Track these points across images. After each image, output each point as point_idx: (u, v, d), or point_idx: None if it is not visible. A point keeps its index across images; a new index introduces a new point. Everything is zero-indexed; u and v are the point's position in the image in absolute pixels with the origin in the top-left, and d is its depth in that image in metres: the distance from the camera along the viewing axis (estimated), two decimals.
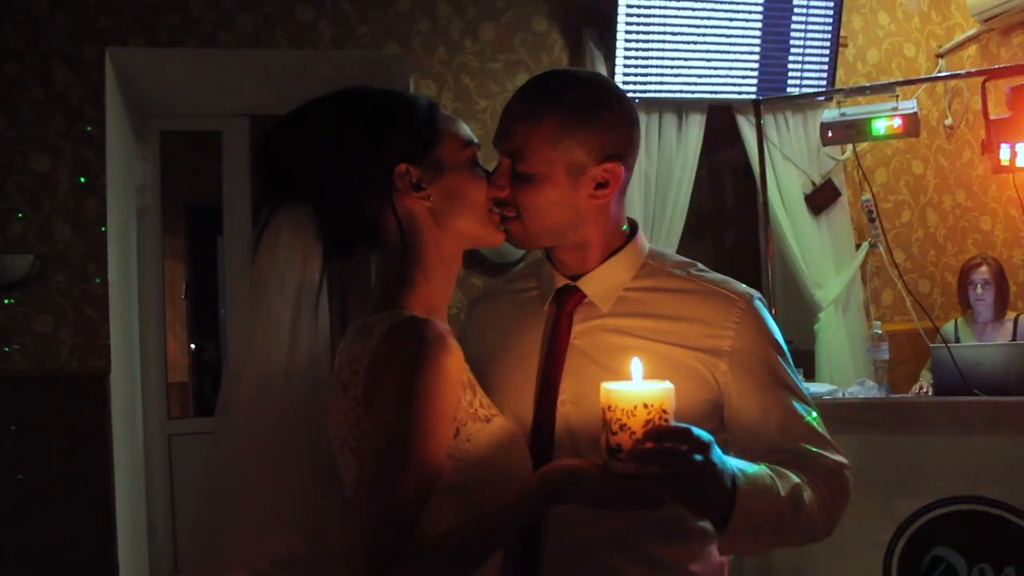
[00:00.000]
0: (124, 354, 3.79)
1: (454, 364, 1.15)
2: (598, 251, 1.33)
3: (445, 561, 1.08)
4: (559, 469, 1.11)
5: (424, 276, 1.26)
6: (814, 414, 1.31)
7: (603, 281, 1.32)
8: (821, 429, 1.31)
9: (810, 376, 4.12)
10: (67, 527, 3.40)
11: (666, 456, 1.03)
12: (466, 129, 1.31)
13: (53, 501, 3.39)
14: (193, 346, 5.38)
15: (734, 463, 1.15)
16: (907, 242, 4.64)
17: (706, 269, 1.37)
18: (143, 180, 4.37)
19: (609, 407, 1.05)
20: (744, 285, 1.34)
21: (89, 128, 3.54)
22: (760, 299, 1.33)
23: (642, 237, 1.38)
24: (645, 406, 1.03)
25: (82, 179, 3.52)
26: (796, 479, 1.21)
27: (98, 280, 3.51)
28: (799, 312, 4.43)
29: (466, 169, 1.27)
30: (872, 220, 4.33)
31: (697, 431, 1.06)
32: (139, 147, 4.33)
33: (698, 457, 1.05)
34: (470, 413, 1.19)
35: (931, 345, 3.34)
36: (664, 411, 1.04)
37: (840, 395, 3.48)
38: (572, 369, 1.29)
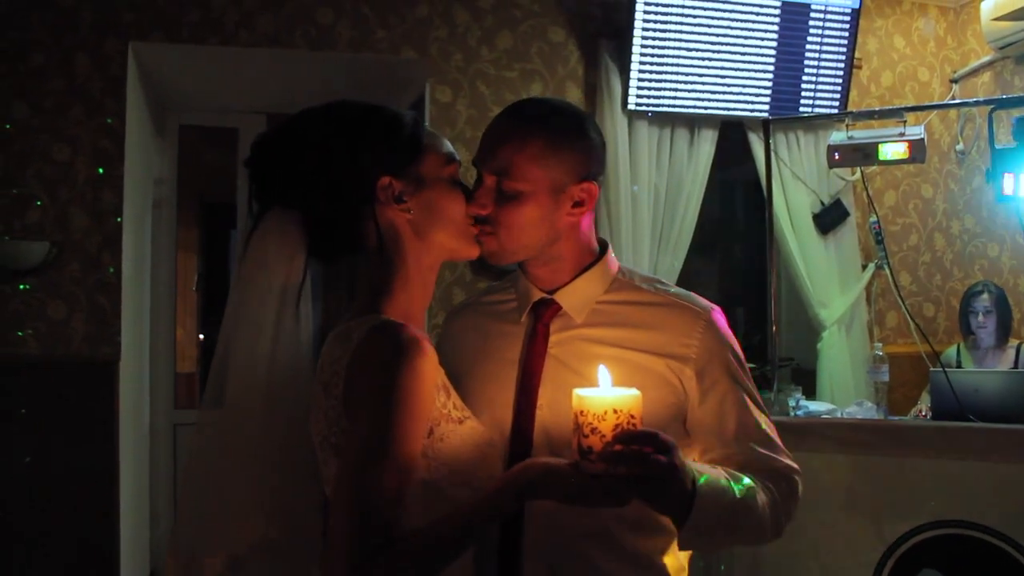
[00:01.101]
0: (134, 343, 3.84)
1: (429, 366, 1.21)
2: (570, 265, 1.41)
3: (423, 554, 1.13)
4: (534, 466, 1.18)
5: (403, 284, 1.32)
6: (768, 420, 1.42)
7: (577, 294, 1.41)
8: (774, 435, 1.40)
9: (811, 394, 4.14)
10: (71, 511, 3.45)
11: (633, 458, 1.11)
12: (449, 146, 1.36)
13: (58, 485, 3.43)
14: (202, 336, 5.43)
15: (694, 466, 1.23)
16: (914, 265, 4.66)
17: (670, 284, 1.47)
18: (160, 173, 4.43)
19: (581, 412, 1.13)
20: (705, 299, 1.44)
21: (109, 120, 3.59)
22: (720, 312, 1.43)
23: (612, 255, 1.47)
24: (615, 411, 1.11)
25: (100, 170, 3.57)
26: (750, 482, 1.30)
27: (112, 270, 3.56)
28: (802, 330, 4.46)
29: (446, 185, 1.33)
30: (879, 242, 4.36)
31: (662, 435, 1.14)
32: (157, 140, 4.39)
33: (663, 459, 1.13)
34: (444, 414, 1.25)
35: (931, 369, 3.36)
36: (632, 416, 1.12)
37: (838, 415, 3.51)
38: (549, 376, 1.37)
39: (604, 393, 1.14)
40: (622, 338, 1.37)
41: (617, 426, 1.10)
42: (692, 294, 1.44)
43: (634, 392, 1.14)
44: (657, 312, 1.39)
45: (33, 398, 3.46)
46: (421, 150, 1.31)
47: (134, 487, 3.84)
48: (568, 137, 1.35)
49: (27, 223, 3.50)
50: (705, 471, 1.24)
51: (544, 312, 1.42)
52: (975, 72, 4.62)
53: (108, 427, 3.51)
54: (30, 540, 3.41)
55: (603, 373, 1.18)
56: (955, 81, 4.70)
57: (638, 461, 1.11)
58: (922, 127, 3.51)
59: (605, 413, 1.11)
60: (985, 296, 4.02)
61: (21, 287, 3.48)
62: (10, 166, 3.49)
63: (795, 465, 1.40)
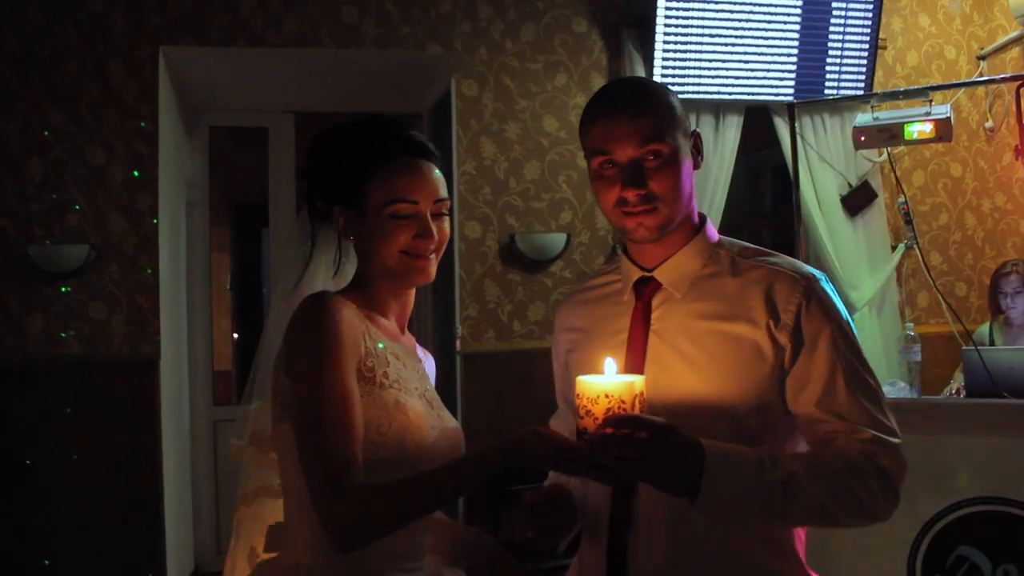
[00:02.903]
0: (173, 341, 3.92)
1: (347, 319, 1.33)
2: (682, 236, 1.44)
3: (407, 494, 1.25)
4: (526, 431, 1.27)
5: (369, 281, 1.46)
6: (874, 397, 1.34)
7: (676, 270, 1.43)
8: (874, 410, 1.33)
9: None
10: (117, 508, 3.54)
11: (621, 440, 1.17)
12: (404, 184, 1.42)
13: (104, 482, 3.53)
14: (236, 335, 5.51)
15: (718, 448, 1.23)
16: (944, 245, 4.64)
17: (772, 252, 1.45)
18: (192, 174, 4.50)
19: (579, 395, 1.22)
20: (808, 267, 1.41)
21: (143, 124, 3.67)
22: (825, 279, 1.40)
23: (711, 227, 1.48)
24: (606, 396, 1.19)
25: (135, 173, 3.65)
26: (795, 466, 1.27)
27: (149, 270, 3.65)
28: None
29: (383, 221, 1.41)
30: (908, 222, 4.34)
31: (652, 420, 1.19)
32: (189, 142, 4.46)
33: (654, 442, 1.18)
34: (368, 377, 1.35)
35: (963, 348, 3.35)
36: (623, 401, 1.19)
37: None
38: (652, 354, 1.39)
39: (599, 379, 1.22)
40: (722, 311, 1.37)
41: (608, 410, 1.18)
42: (797, 261, 1.42)
43: (629, 379, 1.21)
44: (758, 283, 1.38)
45: (78, 397, 3.56)
46: (362, 190, 1.42)
47: (176, 483, 3.92)
48: (671, 93, 1.43)
49: (66, 227, 3.59)
50: (732, 454, 1.24)
51: (646, 289, 1.45)
52: (1003, 48, 4.58)
53: (151, 424, 3.60)
54: (77, 535, 3.51)
55: (609, 363, 1.26)
56: (982, 58, 4.66)
57: (626, 443, 1.17)
58: (948, 106, 3.49)
59: (597, 398, 1.19)
60: (1013, 277, 3.97)
61: (63, 290, 3.57)
62: (48, 172, 3.59)
63: (894, 441, 1.31)
